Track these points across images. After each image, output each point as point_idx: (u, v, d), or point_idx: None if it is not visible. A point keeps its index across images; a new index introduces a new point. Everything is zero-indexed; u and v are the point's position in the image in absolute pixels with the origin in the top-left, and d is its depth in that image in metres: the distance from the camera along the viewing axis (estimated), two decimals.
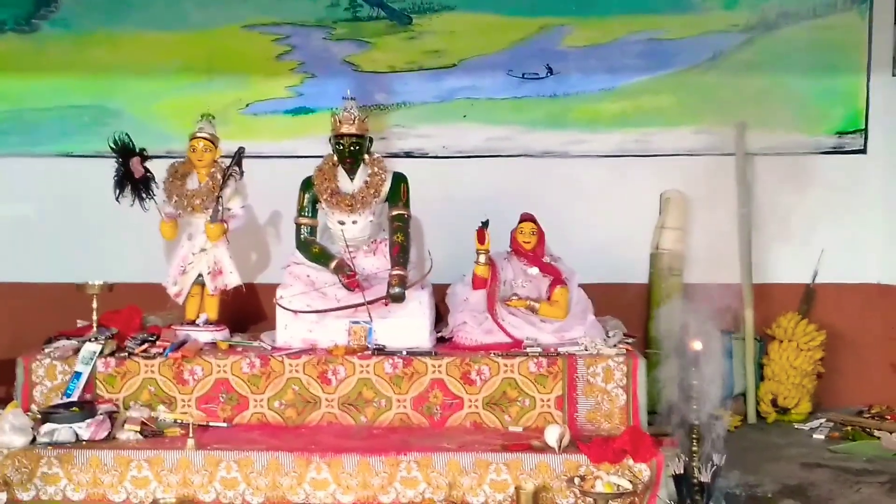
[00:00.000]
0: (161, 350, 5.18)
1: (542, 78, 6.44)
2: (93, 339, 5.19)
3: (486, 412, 5.08)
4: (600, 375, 5.06)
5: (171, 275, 5.55)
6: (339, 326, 5.27)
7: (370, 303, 5.22)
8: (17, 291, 6.35)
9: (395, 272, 5.26)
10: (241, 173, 5.51)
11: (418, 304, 5.31)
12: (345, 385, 5.11)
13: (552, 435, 4.63)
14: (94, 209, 6.20)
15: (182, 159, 5.59)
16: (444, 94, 6.45)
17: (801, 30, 6.33)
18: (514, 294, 5.49)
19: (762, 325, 6.27)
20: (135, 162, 5.44)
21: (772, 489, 4.91)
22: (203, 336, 5.40)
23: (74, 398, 5.01)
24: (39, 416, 4.87)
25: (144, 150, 5.51)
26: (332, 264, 5.38)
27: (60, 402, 5.00)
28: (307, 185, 5.53)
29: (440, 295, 5.65)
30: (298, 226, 5.55)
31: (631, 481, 4.43)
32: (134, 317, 5.49)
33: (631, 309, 6.08)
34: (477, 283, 5.44)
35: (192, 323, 5.49)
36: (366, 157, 5.49)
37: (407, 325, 5.26)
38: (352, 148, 5.42)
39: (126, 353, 5.18)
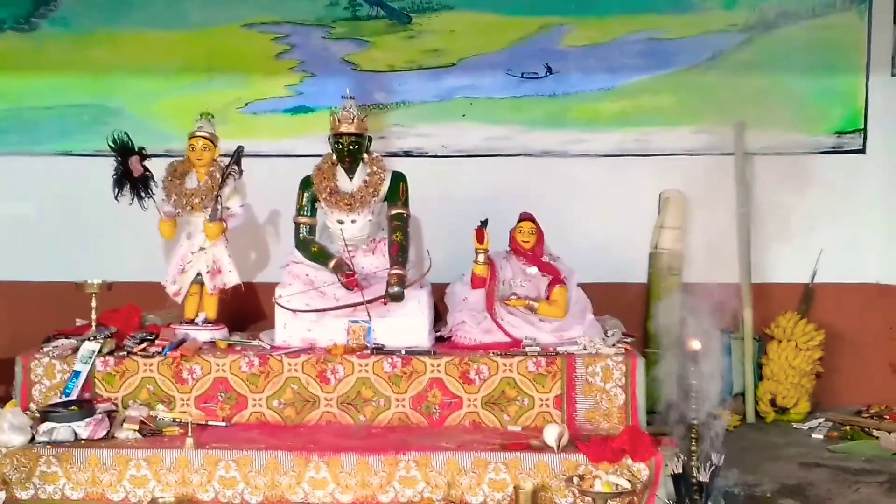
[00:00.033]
0: (160, 349, 5.17)
1: (542, 77, 6.44)
2: (91, 338, 5.18)
3: (484, 411, 5.08)
4: (599, 375, 5.06)
5: (170, 274, 5.54)
6: (338, 325, 5.27)
7: (369, 302, 5.22)
8: (16, 290, 6.36)
9: (394, 271, 5.26)
10: (240, 172, 5.51)
11: (417, 304, 5.30)
12: (344, 384, 5.11)
13: (551, 434, 4.63)
14: (93, 208, 6.20)
15: (181, 158, 5.58)
16: (443, 93, 6.45)
17: (800, 29, 6.34)
18: (513, 293, 5.49)
19: (761, 324, 6.28)
20: (134, 161, 5.44)
21: (770, 489, 4.91)
22: (202, 335, 5.40)
23: (73, 397, 5.01)
24: (38, 415, 4.86)
25: (143, 148, 5.51)
26: (331, 263, 5.38)
27: (59, 400, 5.00)
28: (306, 184, 5.53)
29: (439, 294, 5.65)
30: (297, 225, 5.55)
31: (630, 481, 4.43)
32: (133, 316, 5.49)
33: (630, 308, 6.08)
34: (476, 282, 5.44)
35: (191, 322, 5.48)
36: (365, 156, 5.49)
37: (406, 325, 5.26)
38: (351, 147, 5.42)
39: (125, 352, 5.18)
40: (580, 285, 5.56)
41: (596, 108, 6.42)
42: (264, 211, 6.20)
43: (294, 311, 5.29)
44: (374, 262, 5.49)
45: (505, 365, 5.08)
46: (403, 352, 5.14)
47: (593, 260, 5.92)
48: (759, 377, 6.25)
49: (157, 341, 5.25)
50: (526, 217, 5.56)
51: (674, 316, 5.48)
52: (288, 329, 5.32)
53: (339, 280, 5.32)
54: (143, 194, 5.47)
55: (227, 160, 5.50)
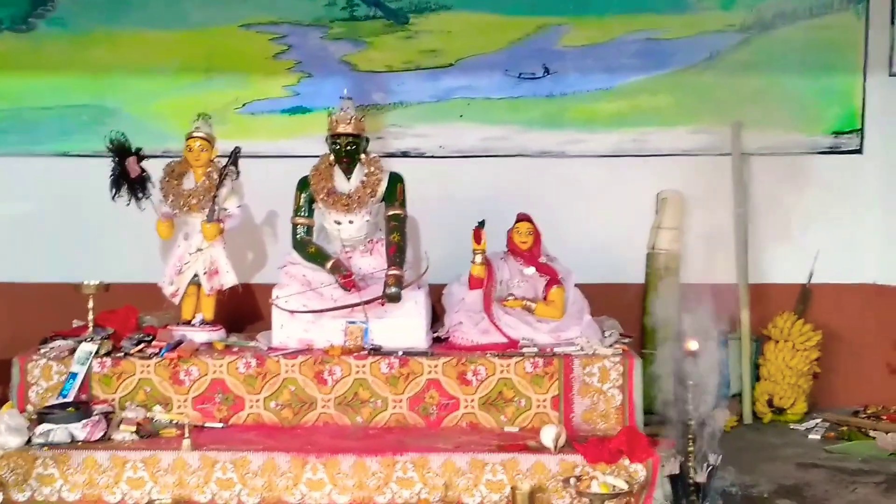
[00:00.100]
0: (157, 350, 5.17)
1: (539, 77, 6.44)
2: (89, 340, 5.18)
3: (482, 412, 5.08)
4: (596, 375, 5.06)
5: (167, 275, 5.54)
6: (336, 326, 5.27)
7: (366, 303, 5.22)
8: (14, 291, 6.35)
9: (391, 272, 5.26)
10: (238, 173, 5.50)
11: (414, 304, 5.30)
12: (341, 385, 5.11)
13: (548, 435, 4.63)
14: (92, 209, 6.19)
15: (178, 159, 5.58)
16: (440, 93, 6.44)
17: (797, 30, 6.33)
18: (510, 294, 5.49)
19: (758, 325, 6.28)
20: (131, 161, 5.44)
21: (768, 489, 4.92)
22: (199, 336, 5.39)
23: (70, 399, 5.01)
24: (35, 417, 4.86)
25: (141, 149, 5.51)
26: (329, 264, 5.37)
27: (56, 402, 5.00)
28: (304, 184, 5.53)
29: (436, 295, 5.64)
30: (295, 225, 5.55)
31: (627, 481, 4.43)
32: (130, 317, 5.49)
33: (627, 309, 6.08)
34: (473, 283, 5.44)
35: (189, 323, 5.48)
36: (362, 156, 5.48)
37: (403, 326, 5.26)
38: (348, 147, 5.42)
39: (122, 354, 5.18)
40: (577, 286, 5.56)
41: (593, 109, 6.42)
42: (262, 212, 6.19)
43: (291, 311, 5.29)
44: (371, 263, 5.49)
45: (502, 366, 5.08)
46: (401, 353, 5.15)
47: (591, 260, 5.91)
48: (756, 378, 6.26)
49: (154, 342, 5.25)
50: (523, 217, 5.55)
51: (670, 312, 5.49)
52: (285, 330, 5.33)
53: (336, 281, 5.32)
54: (140, 195, 5.47)
55: (224, 161, 5.50)
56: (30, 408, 5.06)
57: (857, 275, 6.36)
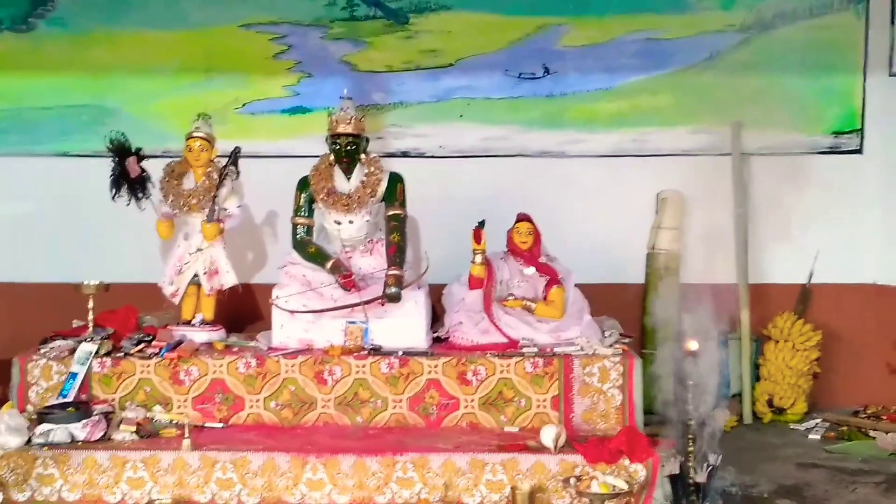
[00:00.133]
0: (157, 350, 5.17)
1: (539, 77, 6.44)
2: (89, 340, 5.18)
3: (482, 412, 5.08)
4: (596, 375, 5.06)
5: (167, 275, 5.54)
6: (336, 326, 5.27)
7: (366, 303, 5.22)
8: (14, 291, 6.35)
9: (391, 272, 5.26)
10: (238, 173, 5.50)
11: (414, 304, 5.30)
12: (341, 385, 5.11)
13: (548, 435, 4.63)
14: (92, 209, 6.19)
15: (178, 159, 5.58)
16: (440, 93, 6.44)
17: (797, 30, 6.33)
18: (510, 294, 5.48)
19: (758, 325, 6.28)
20: (131, 161, 5.44)
21: (768, 489, 4.92)
22: (199, 336, 5.39)
23: (70, 399, 5.01)
24: (35, 417, 4.86)
25: (140, 149, 5.51)
26: (329, 264, 5.38)
27: (56, 402, 5.00)
28: (304, 184, 5.53)
29: (436, 295, 5.64)
30: (295, 225, 5.54)
31: (627, 481, 4.43)
32: (130, 317, 5.49)
33: (627, 309, 6.08)
34: (473, 283, 5.44)
35: (188, 323, 5.48)
36: (362, 156, 5.48)
37: (403, 326, 5.26)
38: (348, 147, 5.42)
39: (122, 354, 5.18)
40: (577, 286, 5.56)
41: (593, 109, 6.42)
42: (262, 212, 6.19)
43: (291, 311, 5.30)
44: (371, 263, 5.49)
45: (502, 366, 5.08)
46: (401, 353, 5.15)
47: (591, 260, 5.92)
48: (756, 378, 6.26)
49: (154, 342, 5.25)
50: (523, 217, 5.55)
51: (670, 312, 5.49)
52: (285, 330, 5.33)
53: (336, 281, 5.32)
54: (140, 195, 5.47)
55: (224, 161, 5.49)
56: (30, 408, 5.07)
57: (857, 275, 6.36)
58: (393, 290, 5.18)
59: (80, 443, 4.71)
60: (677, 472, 4.45)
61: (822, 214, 6.30)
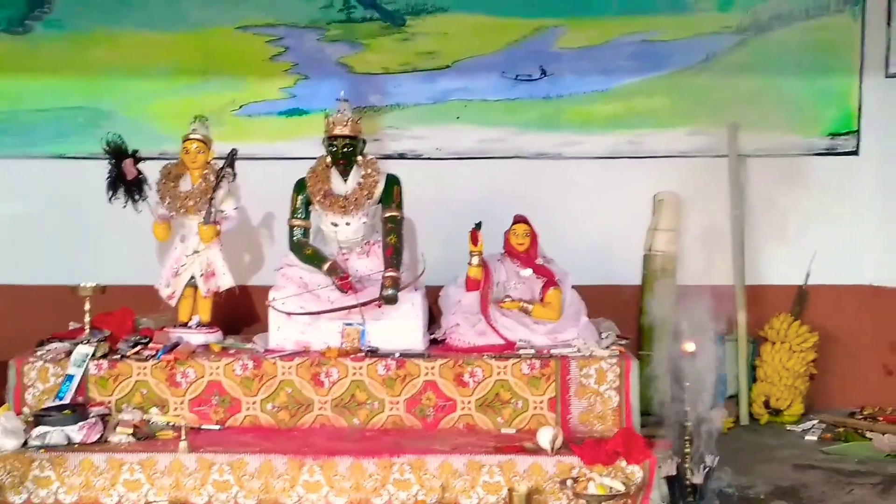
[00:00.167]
0: (153, 352, 5.17)
1: (536, 79, 6.44)
2: (85, 342, 5.18)
3: (478, 414, 5.08)
4: (593, 377, 5.06)
5: (163, 277, 5.54)
6: (332, 328, 5.26)
7: (363, 305, 5.22)
8: (10, 293, 6.34)
9: (388, 274, 5.26)
10: (234, 175, 5.50)
11: (411, 306, 5.31)
12: (338, 387, 5.11)
13: (545, 437, 4.63)
14: (88, 211, 6.19)
15: (175, 161, 5.58)
16: (437, 95, 6.44)
17: (793, 31, 6.34)
18: (507, 296, 5.49)
19: (755, 326, 6.28)
20: (127, 164, 5.44)
21: (764, 490, 4.92)
22: (196, 338, 5.39)
23: (66, 401, 5.01)
24: (31, 419, 4.87)
25: (137, 151, 5.50)
26: (326, 266, 5.38)
27: (52, 404, 4.99)
28: (300, 186, 5.53)
29: (433, 297, 5.65)
30: (291, 227, 5.54)
31: (624, 483, 4.44)
32: (126, 319, 5.48)
33: (624, 310, 6.07)
34: (470, 284, 5.44)
35: (185, 325, 5.48)
36: (359, 158, 5.49)
37: (400, 327, 5.26)
38: (345, 149, 5.42)
39: (118, 356, 5.17)
40: (574, 287, 5.57)
41: (590, 111, 6.42)
42: (258, 214, 6.20)
43: (288, 313, 5.29)
44: (368, 265, 5.49)
45: (499, 367, 5.08)
46: (397, 354, 5.14)
47: (587, 262, 5.93)
48: (752, 379, 6.25)
49: (150, 345, 5.25)
50: (520, 219, 5.55)
51: (667, 314, 5.49)
52: (282, 332, 5.33)
53: (333, 283, 5.32)
54: (136, 197, 5.46)
55: (221, 163, 5.49)
56: (26, 410, 5.07)
57: (853, 276, 6.37)
58: (390, 291, 5.18)
59: (76, 445, 4.71)
60: (674, 473, 4.45)
61: (819, 216, 6.31)
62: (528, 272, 5.53)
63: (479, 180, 6.30)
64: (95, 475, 4.60)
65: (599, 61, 6.40)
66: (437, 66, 6.43)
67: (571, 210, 6.29)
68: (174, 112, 6.23)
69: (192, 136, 5.47)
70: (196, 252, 5.47)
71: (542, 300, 5.46)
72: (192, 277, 5.48)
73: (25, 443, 4.71)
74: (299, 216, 5.53)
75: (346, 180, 5.48)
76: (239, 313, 6.00)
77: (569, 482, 4.44)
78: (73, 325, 5.47)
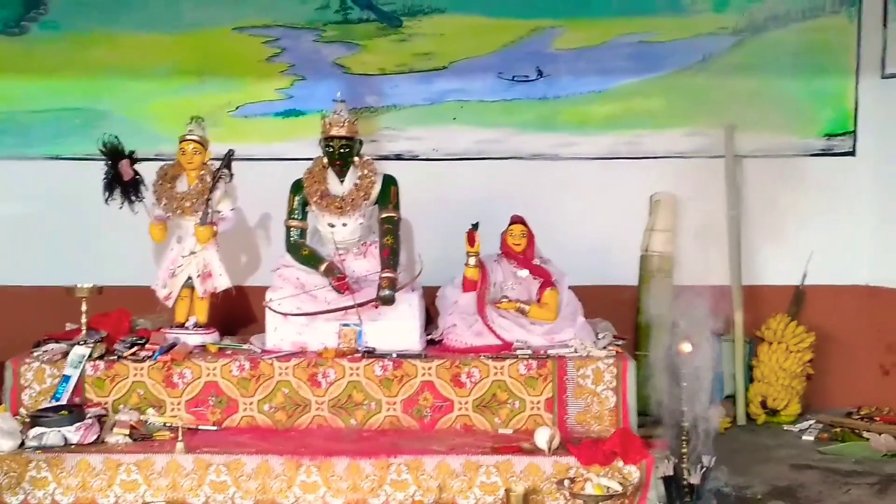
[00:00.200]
0: (150, 353, 5.16)
1: (533, 80, 6.44)
2: (82, 343, 5.18)
3: (475, 414, 5.08)
4: (590, 377, 5.07)
5: (160, 277, 5.53)
6: (329, 329, 5.26)
7: (360, 305, 5.22)
8: (7, 294, 6.34)
9: (385, 275, 5.26)
10: (231, 176, 5.50)
11: (408, 307, 5.30)
12: (335, 388, 5.11)
13: (542, 437, 4.63)
14: (85, 212, 6.17)
15: (172, 162, 5.57)
16: (434, 96, 6.45)
17: (790, 32, 6.35)
18: (504, 296, 5.49)
19: (752, 326, 6.28)
20: (124, 164, 5.43)
21: (761, 490, 4.93)
22: (192, 339, 5.39)
23: (63, 402, 5.00)
24: (28, 420, 4.86)
25: (134, 152, 5.50)
26: (322, 267, 5.37)
27: (49, 405, 4.99)
28: (297, 187, 5.52)
29: (430, 297, 5.65)
30: (288, 228, 5.54)
31: (621, 483, 4.43)
32: (123, 320, 5.48)
33: (621, 311, 6.08)
34: (467, 285, 5.44)
35: (182, 326, 5.48)
36: (356, 159, 5.49)
37: (397, 328, 5.26)
38: (342, 150, 5.42)
39: (115, 357, 5.17)
40: (571, 288, 5.57)
41: (587, 111, 6.43)
42: (255, 214, 6.19)
43: (285, 314, 5.29)
44: (365, 266, 5.48)
45: (496, 368, 5.08)
46: (394, 355, 5.14)
47: (584, 262, 5.92)
48: (749, 379, 6.26)
49: (147, 345, 5.24)
50: (517, 220, 5.56)
51: (664, 314, 5.49)
52: (279, 333, 5.32)
53: (330, 283, 5.32)
54: (133, 198, 5.46)
55: (217, 164, 5.49)
56: (23, 411, 5.06)
57: (850, 276, 6.38)
58: (386, 292, 5.18)
59: (73, 446, 4.70)
60: (671, 473, 4.45)
61: (815, 216, 6.31)
62: (525, 273, 5.53)
63: (476, 181, 6.31)
64: (92, 476, 4.60)
65: (596, 62, 6.41)
66: (433, 67, 6.43)
67: (568, 210, 6.29)
68: (171, 113, 6.23)
69: (188, 137, 5.47)
70: (193, 253, 5.46)
71: (538, 301, 5.46)
72: (189, 278, 5.47)
73: (22, 444, 4.70)
74: (296, 217, 5.53)
75: (342, 181, 5.48)
76: (236, 314, 6.00)
77: (566, 482, 4.44)
78: (69, 326, 5.46)
